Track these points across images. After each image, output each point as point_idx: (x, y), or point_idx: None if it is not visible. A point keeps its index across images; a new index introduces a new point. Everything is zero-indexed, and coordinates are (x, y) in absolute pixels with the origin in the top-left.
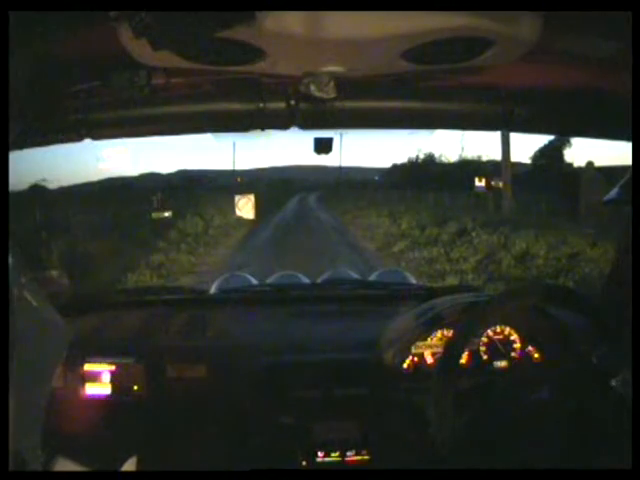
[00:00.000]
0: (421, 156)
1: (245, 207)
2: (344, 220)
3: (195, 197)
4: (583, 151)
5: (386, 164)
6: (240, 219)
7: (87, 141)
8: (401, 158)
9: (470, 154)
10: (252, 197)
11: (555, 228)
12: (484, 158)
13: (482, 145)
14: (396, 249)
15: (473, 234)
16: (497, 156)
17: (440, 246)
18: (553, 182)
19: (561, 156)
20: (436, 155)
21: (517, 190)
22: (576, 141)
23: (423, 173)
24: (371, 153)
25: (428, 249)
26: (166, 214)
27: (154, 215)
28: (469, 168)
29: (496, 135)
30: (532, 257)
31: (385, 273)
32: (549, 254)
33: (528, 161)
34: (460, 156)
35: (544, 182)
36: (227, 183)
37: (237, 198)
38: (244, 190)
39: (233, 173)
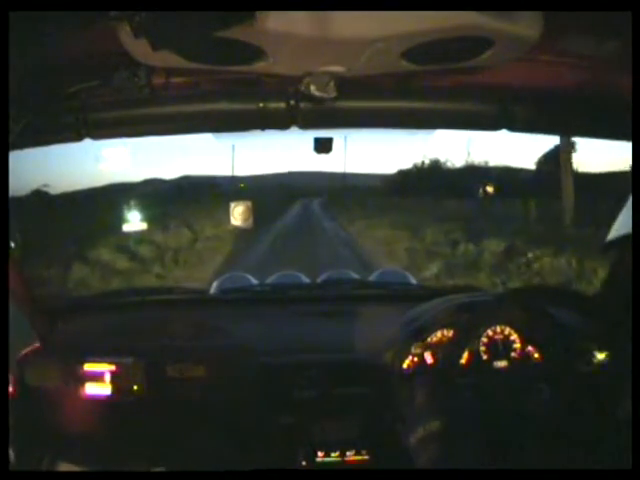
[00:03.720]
0: (442, 159)
1: (242, 216)
2: (352, 230)
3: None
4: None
5: (396, 168)
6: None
7: (87, 141)
8: (417, 159)
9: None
10: (249, 204)
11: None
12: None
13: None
14: (427, 274)
15: (529, 255)
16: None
17: (487, 269)
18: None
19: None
20: (454, 157)
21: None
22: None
23: (440, 176)
24: (378, 155)
25: (472, 274)
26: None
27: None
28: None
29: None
30: None
31: (385, 273)
32: None
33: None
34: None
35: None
36: (227, 182)
37: (233, 205)
38: (242, 195)
39: (232, 175)
